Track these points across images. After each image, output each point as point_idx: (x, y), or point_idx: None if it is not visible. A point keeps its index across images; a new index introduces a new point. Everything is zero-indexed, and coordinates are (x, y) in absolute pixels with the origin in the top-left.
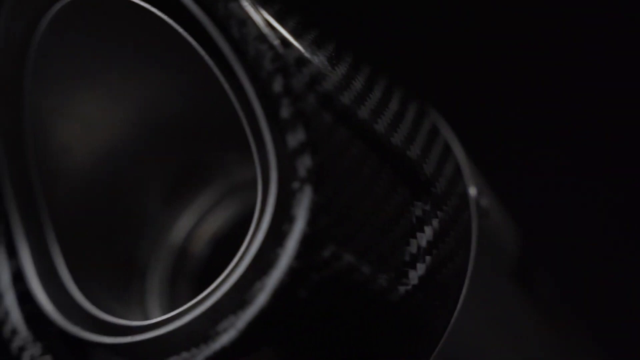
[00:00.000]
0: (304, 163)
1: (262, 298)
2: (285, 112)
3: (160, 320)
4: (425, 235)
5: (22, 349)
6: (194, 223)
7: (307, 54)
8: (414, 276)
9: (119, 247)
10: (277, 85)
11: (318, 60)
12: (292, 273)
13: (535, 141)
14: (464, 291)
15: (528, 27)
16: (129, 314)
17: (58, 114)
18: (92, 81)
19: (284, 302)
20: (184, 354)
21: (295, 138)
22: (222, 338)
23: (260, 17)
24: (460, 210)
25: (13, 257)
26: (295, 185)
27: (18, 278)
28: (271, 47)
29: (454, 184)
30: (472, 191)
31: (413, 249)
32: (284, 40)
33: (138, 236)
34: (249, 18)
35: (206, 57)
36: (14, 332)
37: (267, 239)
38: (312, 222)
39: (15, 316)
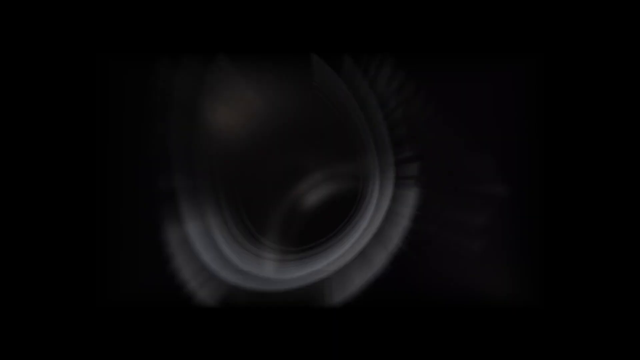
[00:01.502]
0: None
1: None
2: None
3: (300, 276)
4: None
5: (193, 293)
6: (295, 201)
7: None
8: None
9: None
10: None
11: None
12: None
13: None
14: None
15: None
16: None
17: (221, 130)
18: (248, 101)
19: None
20: None
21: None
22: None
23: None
24: None
25: (178, 227)
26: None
27: (184, 242)
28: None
29: None
30: None
31: None
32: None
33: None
34: None
35: None
36: (185, 282)
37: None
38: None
39: (186, 271)
